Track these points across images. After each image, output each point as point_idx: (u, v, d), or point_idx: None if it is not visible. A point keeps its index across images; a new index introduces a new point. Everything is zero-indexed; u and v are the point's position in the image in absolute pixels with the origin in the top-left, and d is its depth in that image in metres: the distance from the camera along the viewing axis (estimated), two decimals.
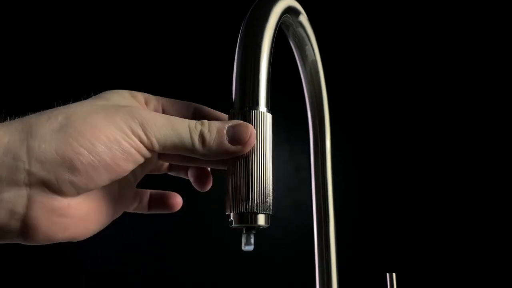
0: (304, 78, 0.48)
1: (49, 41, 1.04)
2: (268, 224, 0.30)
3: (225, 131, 0.29)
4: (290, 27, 0.43)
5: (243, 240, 0.30)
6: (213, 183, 0.37)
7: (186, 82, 1.00)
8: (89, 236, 0.30)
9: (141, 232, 0.96)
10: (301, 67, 0.47)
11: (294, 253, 0.88)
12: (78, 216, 0.27)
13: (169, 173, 0.39)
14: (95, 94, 0.32)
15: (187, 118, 0.30)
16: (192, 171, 0.37)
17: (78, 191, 0.26)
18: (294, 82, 0.53)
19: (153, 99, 0.35)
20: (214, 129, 0.29)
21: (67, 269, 0.96)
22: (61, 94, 1.09)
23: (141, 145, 0.28)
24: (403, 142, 0.90)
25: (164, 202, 0.39)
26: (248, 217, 0.30)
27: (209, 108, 0.36)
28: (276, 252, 0.89)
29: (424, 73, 0.92)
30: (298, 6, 0.40)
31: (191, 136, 0.29)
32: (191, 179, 0.37)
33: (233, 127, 0.29)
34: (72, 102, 0.30)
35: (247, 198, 0.29)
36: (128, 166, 0.28)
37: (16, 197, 0.25)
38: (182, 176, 0.38)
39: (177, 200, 0.39)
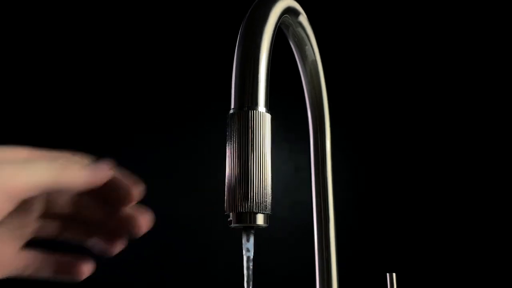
0: (304, 78, 0.48)
1: (48, 41, 1.04)
2: (267, 224, 0.30)
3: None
4: (289, 27, 0.43)
5: (243, 240, 0.31)
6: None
7: (185, 82, 1.00)
8: None
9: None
10: (301, 67, 0.47)
11: (294, 253, 0.88)
12: None
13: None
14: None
15: None
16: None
17: None
18: (294, 82, 0.53)
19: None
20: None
21: None
22: (61, 94, 1.09)
23: None
24: (403, 142, 0.90)
25: (66, 269, 0.34)
26: (247, 217, 0.30)
27: None
28: (276, 252, 0.89)
29: (425, 73, 0.92)
30: (297, 6, 0.40)
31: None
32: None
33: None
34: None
35: (246, 198, 0.29)
36: None
37: None
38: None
39: (84, 269, 0.35)
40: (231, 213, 0.30)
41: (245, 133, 0.30)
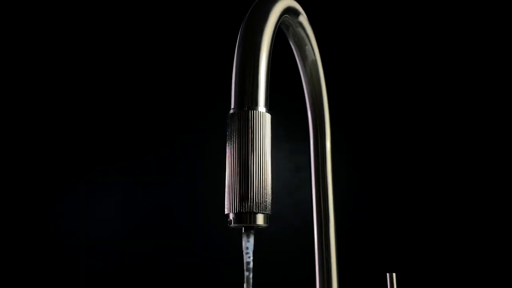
0: (304, 78, 0.48)
1: (47, 41, 1.04)
2: (267, 223, 0.30)
3: None
4: (290, 27, 0.43)
5: (243, 240, 0.31)
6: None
7: (185, 82, 1.00)
8: None
9: (138, 232, 0.96)
10: (301, 67, 0.47)
11: (294, 253, 0.88)
12: None
13: None
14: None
15: None
16: None
17: None
18: (294, 82, 0.53)
19: None
20: None
21: (64, 269, 0.96)
22: (61, 94, 1.09)
23: None
24: (403, 142, 0.90)
25: None
26: (247, 217, 0.30)
27: None
28: (276, 252, 0.89)
29: (425, 73, 0.92)
30: (297, 6, 0.40)
31: None
32: None
33: None
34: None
35: (246, 198, 0.29)
36: None
37: None
38: None
39: None
40: (231, 213, 0.30)
41: (245, 133, 0.30)
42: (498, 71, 0.89)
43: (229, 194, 0.30)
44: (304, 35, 0.44)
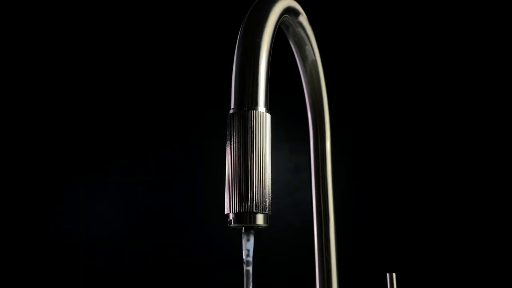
0: (304, 78, 0.48)
1: (47, 41, 1.04)
2: (267, 223, 0.30)
3: None
4: (290, 27, 0.43)
5: (242, 240, 0.31)
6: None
7: (185, 82, 1.00)
8: None
9: (139, 232, 0.96)
10: (301, 67, 0.47)
11: (294, 253, 0.88)
12: None
13: None
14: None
15: None
16: None
17: None
18: (294, 82, 0.53)
19: None
20: None
21: (64, 269, 0.96)
22: (61, 95, 1.09)
23: None
24: (403, 142, 0.90)
25: None
26: (247, 217, 0.30)
27: None
28: (276, 252, 0.89)
29: (425, 73, 0.92)
30: (297, 6, 0.40)
31: None
32: None
33: None
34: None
35: (245, 198, 0.29)
36: None
37: None
38: None
39: None
40: (230, 213, 0.30)
41: (245, 133, 0.30)
42: (498, 71, 0.89)
43: (229, 194, 0.30)
44: (304, 35, 0.44)
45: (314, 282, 0.48)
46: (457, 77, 0.91)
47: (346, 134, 0.91)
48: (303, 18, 0.42)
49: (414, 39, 0.94)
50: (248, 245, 0.31)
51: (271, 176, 0.31)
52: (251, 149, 0.30)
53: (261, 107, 0.31)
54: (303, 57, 0.46)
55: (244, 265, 0.31)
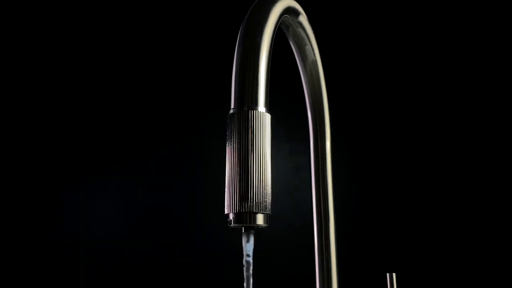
0: (304, 78, 0.48)
1: (47, 41, 1.04)
2: (267, 223, 0.30)
3: None
4: (290, 27, 0.43)
5: (242, 240, 0.31)
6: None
7: (185, 82, 1.00)
8: None
9: (138, 232, 0.96)
10: (301, 67, 0.47)
11: (294, 253, 0.88)
12: None
13: None
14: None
15: None
16: None
17: None
18: (294, 82, 0.53)
19: None
20: None
21: (64, 269, 0.96)
22: (61, 95, 1.09)
23: None
24: (403, 142, 0.90)
25: None
26: (247, 217, 0.30)
27: None
28: (276, 252, 0.89)
29: (425, 73, 0.92)
30: (297, 6, 0.40)
31: None
32: None
33: None
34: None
35: (245, 198, 0.29)
36: None
37: None
38: None
39: None
40: (230, 213, 0.30)
41: (245, 133, 0.30)
42: (498, 71, 0.89)
43: (229, 194, 0.30)
44: (304, 35, 0.44)
45: (314, 282, 0.48)
46: (457, 77, 0.91)
47: (346, 134, 0.91)
48: (303, 18, 0.42)
49: (414, 39, 0.94)
50: (248, 245, 0.31)
51: (271, 176, 0.31)
52: (251, 149, 0.30)
53: (261, 107, 0.31)
54: (303, 57, 0.46)
55: (244, 269, 0.31)
